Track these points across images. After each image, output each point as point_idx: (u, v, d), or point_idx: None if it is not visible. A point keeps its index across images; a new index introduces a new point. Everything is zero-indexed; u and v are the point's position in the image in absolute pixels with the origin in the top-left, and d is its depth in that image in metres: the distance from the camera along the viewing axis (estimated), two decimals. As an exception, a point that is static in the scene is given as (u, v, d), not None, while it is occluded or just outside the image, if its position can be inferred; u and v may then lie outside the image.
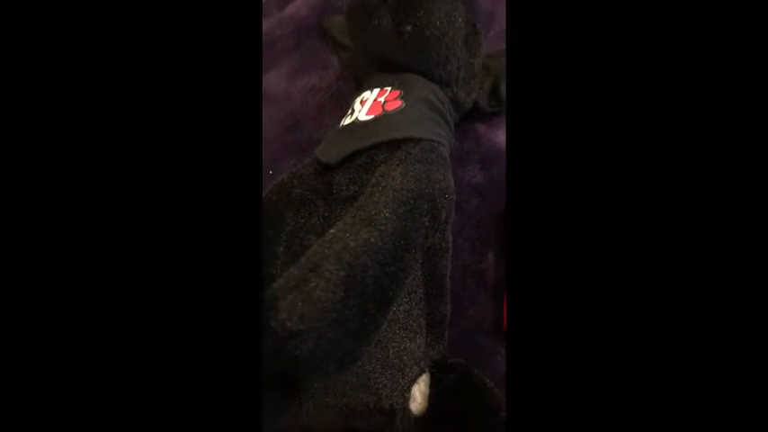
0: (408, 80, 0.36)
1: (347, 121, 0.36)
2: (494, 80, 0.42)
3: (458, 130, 0.41)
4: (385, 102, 0.35)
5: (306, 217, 0.33)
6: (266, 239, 0.32)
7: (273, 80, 0.50)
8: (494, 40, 0.48)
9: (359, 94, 0.38)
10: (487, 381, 0.30)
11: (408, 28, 0.34)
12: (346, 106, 0.39)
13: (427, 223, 0.29)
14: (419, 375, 0.31)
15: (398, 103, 0.35)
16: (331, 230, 0.27)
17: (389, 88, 0.36)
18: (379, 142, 0.33)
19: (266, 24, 0.54)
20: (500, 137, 0.44)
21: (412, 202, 0.28)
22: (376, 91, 0.37)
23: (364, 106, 0.36)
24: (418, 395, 0.30)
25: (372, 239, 0.26)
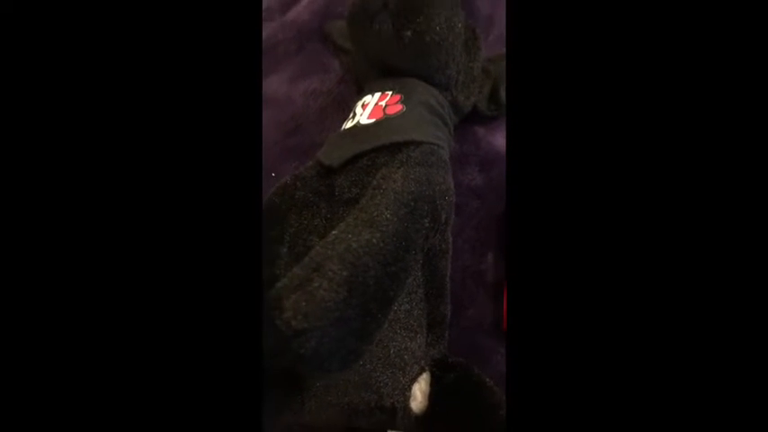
0: (409, 84, 0.37)
1: (349, 124, 0.37)
2: (493, 84, 0.42)
3: (457, 134, 0.42)
4: (386, 106, 0.36)
5: (308, 218, 0.33)
6: (270, 240, 0.32)
7: (275, 84, 0.50)
8: (493, 44, 0.48)
9: (360, 98, 0.38)
10: (487, 380, 0.31)
11: (409, 33, 0.35)
12: (347, 110, 0.40)
13: (427, 224, 0.30)
14: (420, 374, 0.31)
15: (399, 107, 0.35)
16: (333, 231, 0.27)
17: (390, 92, 0.37)
18: (381, 145, 0.33)
19: (268, 29, 0.54)
20: (499, 140, 0.44)
21: (413, 203, 0.29)
22: (377, 95, 0.37)
23: (366, 110, 0.36)
24: (419, 394, 0.31)
25: (374, 240, 0.26)
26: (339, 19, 0.51)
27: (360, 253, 0.25)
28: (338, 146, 0.35)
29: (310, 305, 0.23)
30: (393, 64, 0.37)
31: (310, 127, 0.47)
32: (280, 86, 0.50)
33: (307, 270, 0.25)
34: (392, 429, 0.31)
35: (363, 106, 0.37)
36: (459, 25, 0.38)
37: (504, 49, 0.44)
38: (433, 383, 0.31)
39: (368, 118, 0.36)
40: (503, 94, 0.42)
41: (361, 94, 0.39)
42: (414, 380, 0.30)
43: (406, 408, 0.30)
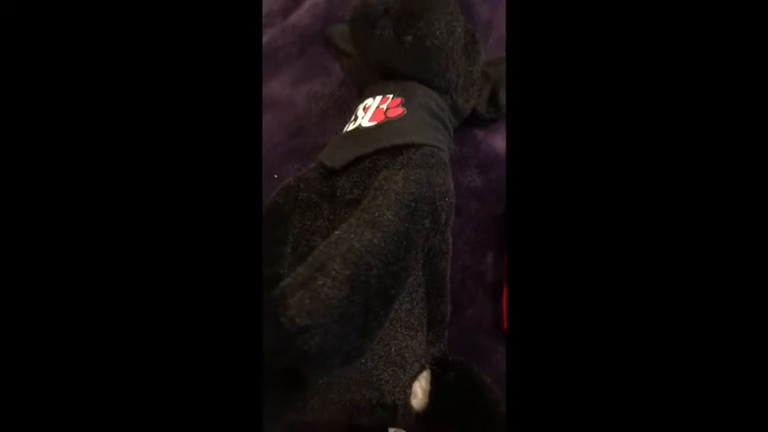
0: (409, 88, 0.37)
1: (350, 127, 0.37)
2: (492, 87, 0.43)
3: (457, 136, 0.42)
4: (387, 109, 0.36)
5: (312, 219, 0.34)
6: (274, 240, 0.33)
7: (277, 87, 0.51)
8: (492, 48, 0.48)
9: (361, 101, 0.39)
10: (486, 377, 0.31)
11: (409, 38, 0.35)
12: (349, 112, 0.40)
13: (428, 225, 0.30)
14: (420, 372, 0.31)
15: (400, 110, 0.36)
16: (336, 232, 0.28)
17: (391, 96, 0.37)
18: (382, 148, 0.34)
19: (270, 33, 0.54)
20: (498, 142, 0.45)
21: (413, 204, 0.29)
22: (378, 98, 0.37)
23: (367, 113, 0.37)
24: (419, 391, 0.31)
25: (376, 240, 0.26)
26: (340, 23, 0.51)
27: (362, 252, 0.26)
28: (340, 148, 0.36)
29: (314, 303, 0.24)
30: (394, 68, 0.38)
31: (312, 129, 0.48)
32: (282, 89, 0.51)
33: (310, 269, 0.25)
34: (393, 426, 0.32)
35: (365, 109, 0.37)
36: (459, 30, 0.38)
37: (503, 53, 0.45)
38: (434, 381, 0.32)
39: (369, 121, 0.36)
40: (502, 97, 0.43)
41: (362, 98, 0.40)
42: (414, 378, 0.31)
43: (407, 405, 0.30)
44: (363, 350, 0.26)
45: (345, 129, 0.38)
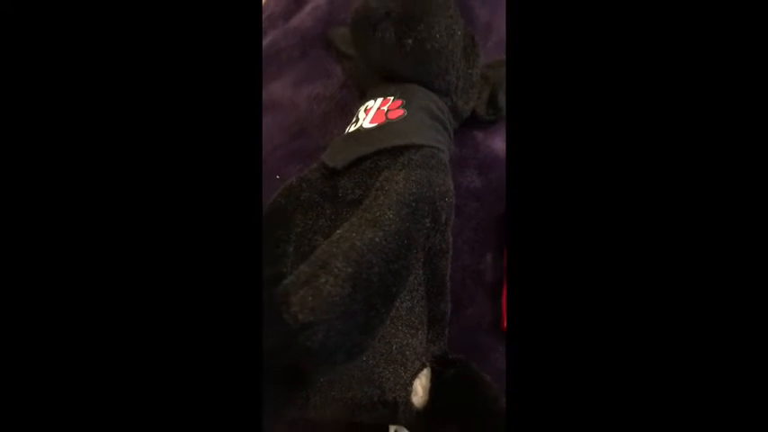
0: (410, 90, 0.38)
1: (352, 128, 0.38)
2: (491, 89, 0.43)
3: (457, 137, 0.42)
4: (388, 110, 0.37)
5: (314, 219, 0.34)
6: (277, 240, 0.33)
7: (279, 89, 0.51)
8: (491, 51, 0.49)
9: (363, 103, 0.39)
10: (484, 375, 0.31)
11: (410, 41, 0.36)
12: (350, 114, 0.41)
13: (428, 224, 0.31)
14: (421, 370, 0.32)
15: (401, 112, 0.36)
16: (338, 231, 0.28)
17: (392, 98, 0.38)
18: (383, 148, 0.34)
19: (272, 35, 0.55)
20: (497, 144, 0.45)
21: (414, 204, 0.30)
22: (379, 100, 0.38)
23: (368, 115, 0.37)
24: (420, 389, 0.31)
25: (377, 239, 0.27)
26: (342, 26, 0.52)
27: (363, 251, 0.26)
28: (342, 149, 0.36)
29: (317, 300, 0.24)
30: (395, 70, 0.38)
31: (314, 131, 0.48)
32: (284, 91, 0.51)
33: (313, 267, 0.26)
34: (394, 424, 0.32)
35: (366, 111, 0.38)
36: (459, 33, 0.38)
37: (502, 56, 0.45)
38: (433, 379, 0.32)
39: (370, 122, 0.37)
40: (501, 99, 0.43)
41: (363, 99, 0.40)
42: (415, 375, 0.31)
43: (408, 402, 0.30)
44: (365, 347, 0.26)
45: (347, 130, 0.38)
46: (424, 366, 0.32)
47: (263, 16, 0.57)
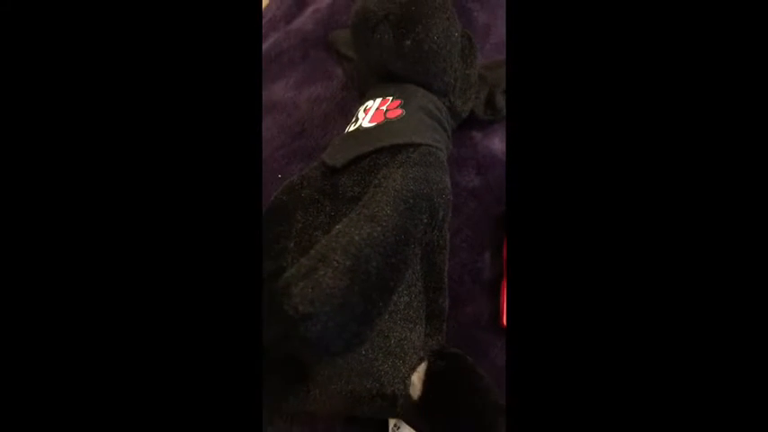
0: (408, 90, 0.38)
1: (352, 128, 0.38)
2: (489, 90, 0.44)
3: (456, 138, 0.43)
4: (387, 110, 0.37)
5: (314, 215, 0.35)
6: (278, 236, 0.34)
7: (281, 90, 0.52)
8: (490, 52, 0.49)
9: (362, 104, 0.40)
10: (478, 367, 0.32)
11: (408, 42, 0.36)
12: (350, 114, 0.41)
13: (425, 220, 0.31)
14: (419, 364, 0.32)
15: (399, 112, 0.37)
16: (337, 226, 0.28)
17: (391, 98, 0.38)
18: (382, 147, 0.35)
19: (274, 37, 0.56)
20: (495, 143, 0.45)
21: (411, 200, 0.30)
22: (378, 100, 0.38)
23: (367, 114, 0.38)
24: (418, 383, 0.31)
25: (375, 234, 0.27)
26: (342, 28, 0.52)
27: (362, 245, 0.26)
28: (342, 148, 0.37)
29: (316, 292, 0.24)
30: (393, 71, 0.39)
31: (315, 131, 0.49)
32: (286, 92, 0.52)
33: (313, 260, 0.26)
34: (393, 417, 0.32)
35: (365, 111, 0.38)
36: (456, 34, 0.39)
37: (500, 57, 0.46)
38: (430, 372, 0.32)
39: (369, 122, 0.37)
40: (499, 99, 0.43)
41: (362, 100, 0.41)
42: (413, 369, 0.31)
43: (407, 396, 0.31)
44: (364, 338, 0.27)
45: (347, 130, 0.39)
46: (422, 360, 0.32)
47: (266, 19, 0.58)
